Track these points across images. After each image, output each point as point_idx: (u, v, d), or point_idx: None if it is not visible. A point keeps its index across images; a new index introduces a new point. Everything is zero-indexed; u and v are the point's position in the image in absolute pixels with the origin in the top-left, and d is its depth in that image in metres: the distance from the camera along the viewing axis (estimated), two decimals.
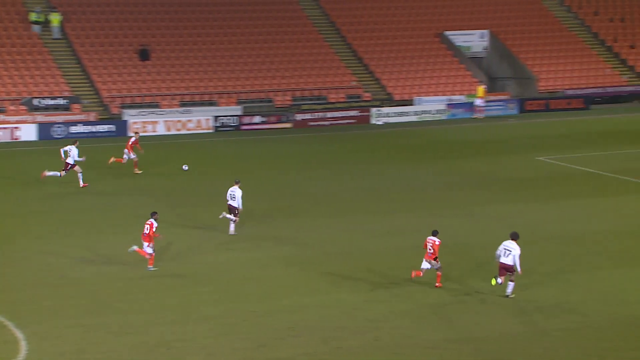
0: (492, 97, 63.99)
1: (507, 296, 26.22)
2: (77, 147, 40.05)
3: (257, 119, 58.54)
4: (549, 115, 61.45)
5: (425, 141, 53.30)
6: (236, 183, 32.76)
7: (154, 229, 28.12)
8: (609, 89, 66.23)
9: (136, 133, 45.70)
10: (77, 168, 39.97)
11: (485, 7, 72.69)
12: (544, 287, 27.28)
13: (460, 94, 63.58)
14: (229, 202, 32.59)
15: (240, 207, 32.43)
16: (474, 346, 22.94)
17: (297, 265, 29.36)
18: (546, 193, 39.20)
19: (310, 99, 61.97)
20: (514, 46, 69.14)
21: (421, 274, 27.03)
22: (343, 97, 62.17)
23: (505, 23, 71.20)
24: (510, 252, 26.07)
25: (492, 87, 67.17)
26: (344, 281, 27.83)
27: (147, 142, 47.65)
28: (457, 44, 68.72)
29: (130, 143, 42.94)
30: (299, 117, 59.01)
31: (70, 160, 39.75)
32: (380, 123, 59.77)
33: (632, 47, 70.39)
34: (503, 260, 26.16)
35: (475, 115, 60.77)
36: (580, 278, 28.06)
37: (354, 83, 63.87)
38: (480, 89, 61.61)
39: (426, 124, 59.45)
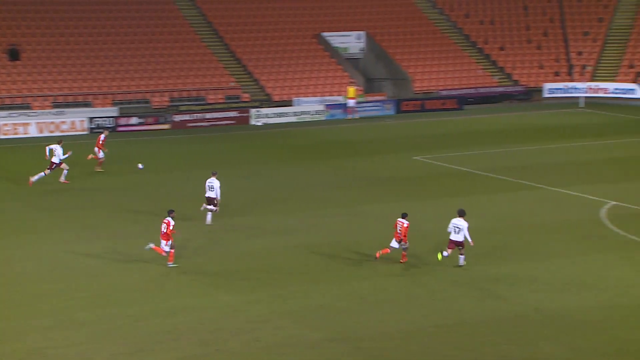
0: (369, 98, 64.52)
1: (460, 266, 28.47)
2: (61, 146, 40.16)
3: (134, 120, 57.46)
4: (425, 115, 62.36)
5: (305, 141, 53.31)
6: (213, 174, 33.61)
7: (171, 227, 28.31)
8: (481, 90, 67.69)
9: (106, 130, 45.22)
10: (63, 165, 40.14)
11: (361, 9, 73.32)
12: (421, 284, 27.50)
13: (339, 95, 63.91)
14: (207, 194, 33.40)
15: (219, 197, 33.25)
16: (353, 345, 22.91)
17: (176, 267, 28.79)
18: (423, 192, 39.67)
19: (189, 100, 61.25)
20: (390, 47, 69.93)
21: (388, 251, 28.68)
22: (222, 98, 61.67)
23: (380, 25, 71.97)
24: (460, 229, 28.26)
25: (369, 88, 67.76)
26: (224, 282, 27.47)
27: (19, 145, 46.10)
28: (334, 45, 69.07)
29: (100, 142, 42.88)
30: (177, 118, 58.19)
31: (55, 160, 39.82)
32: (259, 124, 59.50)
33: (502, 49, 72.15)
34: (454, 237, 28.39)
35: (349, 116, 61.08)
36: (457, 273, 28.38)
37: (233, 84, 63.43)
38: (351, 90, 61.99)
39: (305, 124, 59.50)
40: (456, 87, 67.65)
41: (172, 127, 57.45)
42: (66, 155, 40.11)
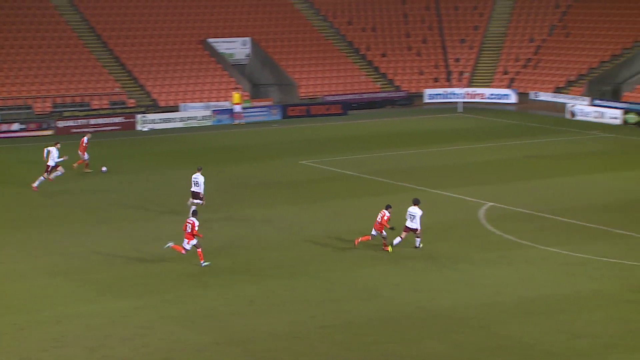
0: (255, 103, 64.48)
1: (417, 247, 30.85)
2: (57, 149, 40.49)
3: (15, 126, 55.93)
4: (310, 120, 62.71)
5: (191, 147, 52.88)
6: (198, 170, 35.29)
7: (196, 228, 28.85)
8: (365, 95, 68.48)
9: (88, 134, 45.25)
10: (59, 169, 40.41)
11: (247, 15, 73.27)
12: (309, 285, 27.65)
13: (225, 100, 63.68)
14: (192, 189, 34.95)
15: (202, 191, 34.69)
16: (242, 347, 22.88)
17: (61, 274, 28.19)
18: (310, 195, 39.87)
19: (73, 106, 59.99)
20: (275, 54, 70.09)
21: (369, 239, 30.46)
22: (107, 104, 60.65)
23: (266, 31, 72.07)
24: (414, 216, 30.55)
25: (255, 93, 67.73)
26: (111, 289, 27.02)
27: None
28: (220, 51, 68.80)
29: (84, 144, 43.27)
30: (60, 124, 56.92)
31: (51, 162, 40.03)
32: (145, 129, 58.75)
33: (383, 55, 73.17)
34: (409, 224, 30.63)
35: (236, 122, 60.93)
36: (343, 275, 28.64)
37: (118, 89, 62.45)
38: (236, 96, 61.88)
39: (192, 129, 59.03)
40: (340, 92, 68.26)
41: (56, 133, 56.14)
42: (61, 159, 40.53)
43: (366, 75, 71.21)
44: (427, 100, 69.56)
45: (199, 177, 34.99)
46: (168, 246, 29.43)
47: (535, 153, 49.41)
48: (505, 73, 71.98)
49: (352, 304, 26.07)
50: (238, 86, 65.29)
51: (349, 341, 23.35)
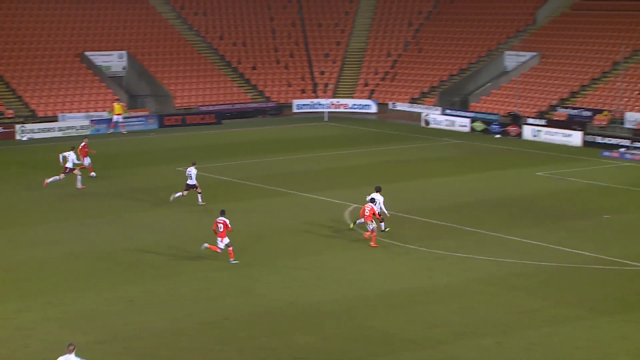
0: (133, 113, 63.37)
1: (384, 230, 32.63)
2: (75, 152, 40.68)
3: None
4: (186, 129, 62.04)
5: None
6: (193, 164, 37.60)
7: (229, 226, 29.29)
8: (237, 106, 68.28)
9: (86, 138, 44.50)
10: (76, 171, 40.43)
11: (123, 30, 71.94)
12: (187, 284, 27.37)
13: (103, 111, 62.32)
14: (187, 182, 37.04)
15: (197, 183, 37.25)
16: (122, 345, 22.45)
17: None
18: (187, 200, 39.40)
19: None
20: (151, 66, 69.11)
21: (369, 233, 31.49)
22: None
23: (141, 45, 70.99)
24: (377, 203, 32.19)
25: (133, 104, 66.55)
26: None
27: None
28: (97, 63, 67.29)
29: (82, 148, 42.49)
30: None
31: (69, 165, 40.06)
32: (25, 139, 56.90)
33: (254, 68, 73.17)
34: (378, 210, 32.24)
35: (123, 130, 59.77)
36: (219, 275, 28.47)
37: None
38: (117, 107, 60.67)
39: (71, 139, 57.44)
40: (214, 103, 67.86)
41: None
42: (80, 162, 41.05)
43: (238, 86, 71.03)
44: (295, 110, 69.89)
45: (192, 171, 37.09)
46: (204, 247, 29.58)
47: (394, 158, 50.31)
48: (366, 85, 73.13)
49: (227, 301, 25.95)
50: (116, 97, 64.01)
51: (225, 336, 23.23)
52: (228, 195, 40.64)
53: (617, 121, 56.30)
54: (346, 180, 43.82)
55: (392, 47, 75.59)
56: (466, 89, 67.96)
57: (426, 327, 24.06)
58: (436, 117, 63.18)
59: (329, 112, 68.10)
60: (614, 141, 52.66)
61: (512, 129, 57.86)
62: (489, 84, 67.23)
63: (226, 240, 29.39)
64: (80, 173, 40.89)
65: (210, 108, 66.62)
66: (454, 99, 67.06)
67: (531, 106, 62.10)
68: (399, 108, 68.40)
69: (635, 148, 51.19)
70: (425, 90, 69.99)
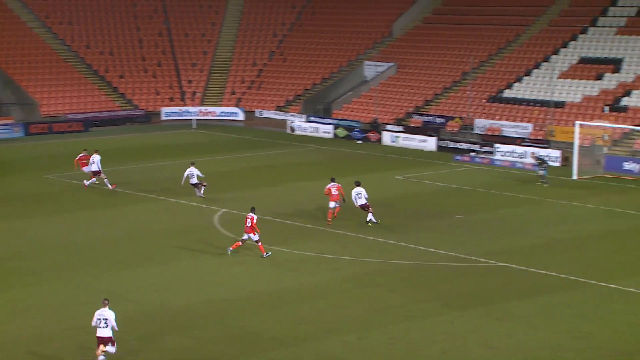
0: None
1: (371, 221, 34.23)
2: (99, 154, 41.55)
3: None
4: (53, 137, 60.21)
5: None
6: (192, 164, 39.87)
7: (255, 221, 30.00)
8: (105, 114, 66.82)
9: (85, 150, 43.54)
10: (102, 175, 41.32)
11: None
12: (55, 292, 26.55)
13: None
14: (191, 182, 39.27)
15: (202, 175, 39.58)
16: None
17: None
18: (59, 206, 38.38)
19: None
20: (16, 75, 66.79)
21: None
22: None
23: (5, 53, 68.54)
24: (361, 195, 34.14)
25: None
26: None
27: None
28: None
29: (79, 159, 42.49)
30: None
31: (94, 168, 41.04)
32: None
33: (121, 77, 71.76)
34: (359, 202, 34.36)
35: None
36: (90, 281, 27.75)
37: None
38: None
39: None
40: (82, 111, 66.19)
41: None
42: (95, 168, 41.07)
43: (106, 95, 69.50)
44: (163, 118, 68.95)
45: (193, 171, 39.37)
46: (230, 251, 30.36)
47: (261, 164, 50.38)
48: (233, 93, 72.95)
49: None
50: None
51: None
52: (97, 202, 39.69)
53: (467, 127, 58.30)
54: (216, 186, 43.53)
55: (258, 57, 75.79)
56: (329, 97, 68.84)
57: (294, 325, 24.22)
58: (301, 124, 63.69)
59: (197, 119, 67.57)
60: (465, 146, 54.50)
61: (372, 135, 58.98)
62: (350, 92, 68.33)
63: (256, 236, 30.26)
64: (105, 176, 41.60)
65: (78, 116, 64.96)
66: (317, 107, 67.81)
67: (389, 113, 63.51)
68: (265, 115, 68.60)
69: (484, 152, 53.14)
70: (290, 98, 70.48)
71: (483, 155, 52.41)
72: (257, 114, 69.18)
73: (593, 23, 62.85)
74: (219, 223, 35.82)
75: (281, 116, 67.32)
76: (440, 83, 64.65)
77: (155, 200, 39.96)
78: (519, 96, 59.66)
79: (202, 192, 40.04)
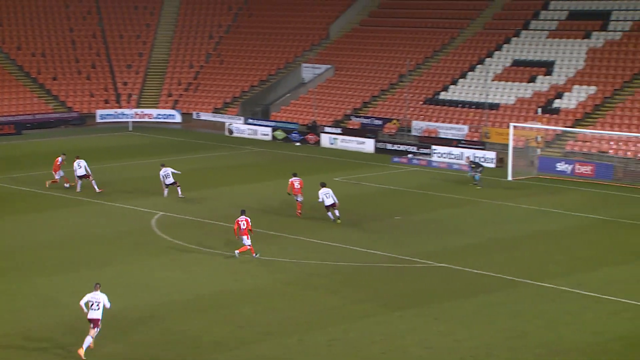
0: None
1: (338, 217, 35.51)
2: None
3: None
4: None
5: None
6: (162, 165, 40.90)
7: (250, 224, 30.58)
8: (38, 116, 65.66)
9: (63, 155, 43.36)
10: (90, 177, 41.56)
11: None
12: None
13: None
14: (165, 181, 40.18)
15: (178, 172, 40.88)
16: None
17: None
18: None
19: None
20: None
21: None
22: None
23: None
24: (329, 194, 35.26)
25: None
26: None
27: None
28: None
29: (57, 163, 42.19)
30: None
31: (81, 172, 41.31)
32: None
33: (54, 79, 70.60)
34: (327, 202, 35.37)
35: None
36: (22, 286, 27.24)
37: None
38: None
39: None
40: (14, 113, 64.93)
41: None
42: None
43: (38, 97, 68.27)
44: (99, 120, 68.06)
45: (167, 170, 40.28)
46: (237, 254, 30.47)
47: (200, 166, 50.09)
48: (170, 95, 72.34)
49: (31, 312, 24.90)
50: None
51: (27, 347, 22.28)
52: (30, 206, 39.01)
53: (404, 129, 58.86)
54: (153, 189, 43.15)
55: (194, 59, 75.34)
56: (267, 99, 68.78)
57: (233, 329, 24.15)
58: (239, 127, 63.52)
59: (133, 122, 66.86)
60: (402, 148, 55.02)
61: (311, 137, 59.13)
62: (288, 94, 68.39)
63: (248, 240, 30.61)
64: (93, 178, 41.62)
65: (9, 119, 63.72)
66: (255, 109, 67.67)
67: (328, 115, 63.74)
68: (202, 118, 68.20)
69: (422, 154, 53.72)
70: (228, 100, 70.23)
71: (420, 157, 52.98)
72: (194, 116, 68.76)
73: (525, 26, 64.05)
74: (156, 226, 35.50)
75: (219, 118, 67.02)
76: (378, 85, 65.14)
77: (90, 204, 39.42)
78: (455, 98, 60.48)
79: (180, 193, 40.34)
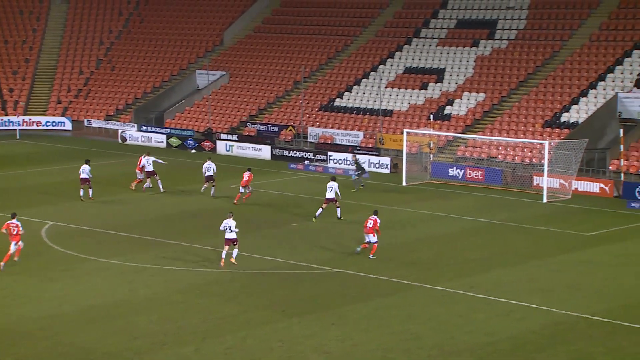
0: None
1: (339, 218, 37.56)
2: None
3: None
4: None
5: None
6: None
7: (378, 224, 31.41)
8: None
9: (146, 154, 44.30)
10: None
11: None
12: None
13: None
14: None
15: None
16: None
17: None
18: None
19: None
20: None
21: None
22: None
23: None
24: (332, 189, 37.41)
25: None
26: None
27: None
28: None
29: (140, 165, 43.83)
30: None
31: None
32: None
33: None
34: (328, 195, 37.38)
35: None
36: None
37: None
38: None
39: None
40: None
41: None
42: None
43: None
44: None
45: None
46: (358, 250, 31.93)
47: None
48: (59, 102, 70.64)
49: None
50: None
51: None
52: None
53: (300, 136, 59.20)
54: (42, 198, 42.09)
55: (85, 65, 73.90)
56: (161, 106, 68.02)
57: (127, 340, 23.75)
58: (132, 134, 62.58)
59: (20, 129, 65.01)
60: (299, 154, 55.31)
61: (206, 144, 58.76)
62: (183, 101, 67.82)
63: (375, 238, 31.73)
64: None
65: None
66: (149, 116, 66.83)
67: (223, 122, 63.52)
68: (94, 125, 66.94)
69: (318, 160, 54.14)
70: (121, 107, 69.13)
71: (317, 164, 53.37)
72: (86, 124, 67.38)
73: (416, 34, 65.43)
74: (46, 236, 34.61)
75: (111, 125, 65.88)
76: (273, 92, 65.32)
77: None
78: (350, 105, 61.23)
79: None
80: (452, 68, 60.85)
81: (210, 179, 42.71)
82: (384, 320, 25.53)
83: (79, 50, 75.20)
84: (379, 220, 31.96)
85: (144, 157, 43.83)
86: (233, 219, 30.49)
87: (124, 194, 43.79)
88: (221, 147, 58.34)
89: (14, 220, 29.92)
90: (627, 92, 52.12)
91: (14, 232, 29.57)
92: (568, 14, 61.20)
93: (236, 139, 58.99)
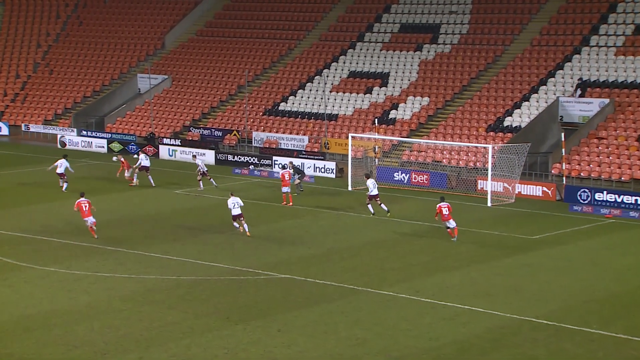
0: None
1: (387, 212, 40.02)
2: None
3: None
4: None
5: None
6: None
7: (450, 209, 34.89)
8: None
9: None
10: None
11: None
12: None
13: None
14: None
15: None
16: None
17: None
18: None
19: None
20: None
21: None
22: None
23: None
24: (375, 186, 39.66)
25: None
26: None
27: None
28: None
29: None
30: None
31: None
32: None
33: None
34: (371, 193, 39.60)
35: None
36: None
37: None
38: None
39: None
40: None
41: None
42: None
43: None
44: None
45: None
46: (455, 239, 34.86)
47: (30, 181, 48.15)
48: None
49: None
50: None
51: None
52: None
53: (245, 140, 58.97)
54: None
55: (21, 69, 72.67)
56: (101, 110, 67.16)
57: (67, 349, 23.30)
58: (72, 139, 61.67)
59: None
60: (243, 159, 55.06)
61: (149, 149, 58.16)
62: (124, 105, 67.05)
63: (453, 223, 35.07)
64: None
65: None
66: (89, 120, 65.94)
67: (166, 127, 62.97)
68: (32, 130, 65.81)
69: (263, 165, 53.96)
70: (60, 111, 68.07)
71: (261, 168, 53.19)
72: (24, 129, 66.19)
73: (360, 38, 65.71)
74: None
75: (50, 130, 64.85)
76: (217, 96, 64.99)
77: None
78: (294, 109, 61.19)
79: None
80: (396, 72, 61.24)
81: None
82: (330, 325, 25.48)
83: (16, 53, 73.92)
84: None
85: (141, 154, 47.85)
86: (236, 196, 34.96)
87: (62, 200, 43.06)
88: (164, 152, 57.77)
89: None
90: (568, 96, 53.03)
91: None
92: (510, 19, 62.07)
93: (179, 143, 58.48)
